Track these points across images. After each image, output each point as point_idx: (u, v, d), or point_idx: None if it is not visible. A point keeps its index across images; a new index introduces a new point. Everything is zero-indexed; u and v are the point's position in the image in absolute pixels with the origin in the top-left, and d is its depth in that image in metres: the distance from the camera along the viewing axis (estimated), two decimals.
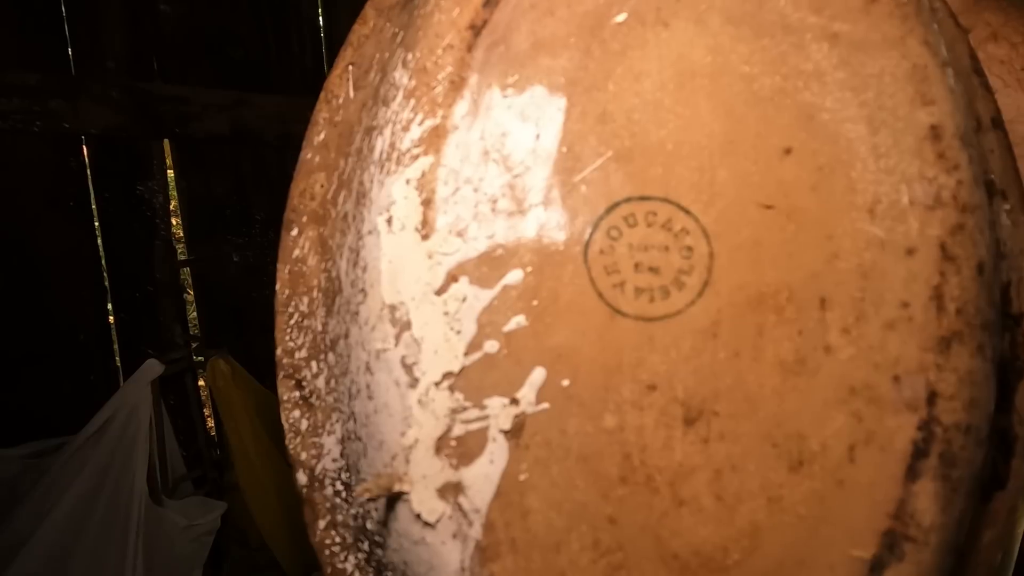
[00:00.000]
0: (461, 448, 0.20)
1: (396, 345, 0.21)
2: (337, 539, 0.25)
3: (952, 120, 0.20)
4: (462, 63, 0.22)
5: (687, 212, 0.20)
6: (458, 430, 0.20)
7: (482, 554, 0.20)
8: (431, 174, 0.21)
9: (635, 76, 0.21)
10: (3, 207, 1.02)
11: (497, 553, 0.20)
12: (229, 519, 1.11)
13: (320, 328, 0.26)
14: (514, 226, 0.21)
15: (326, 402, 0.25)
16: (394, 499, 0.21)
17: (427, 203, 0.21)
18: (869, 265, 0.20)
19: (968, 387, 0.19)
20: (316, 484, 0.25)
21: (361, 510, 0.24)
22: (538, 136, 0.21)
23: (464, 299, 0.20)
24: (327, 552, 0.25)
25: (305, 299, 0.26)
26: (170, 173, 1.19)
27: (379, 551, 0.24)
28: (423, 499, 0.20)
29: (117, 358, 1.16)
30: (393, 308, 0.21)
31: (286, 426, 0.26)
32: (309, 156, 0.27)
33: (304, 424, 0.26)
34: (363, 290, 0.22)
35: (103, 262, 1.13)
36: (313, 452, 0.25)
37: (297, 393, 0.26)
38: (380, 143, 0.22)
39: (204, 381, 1.18)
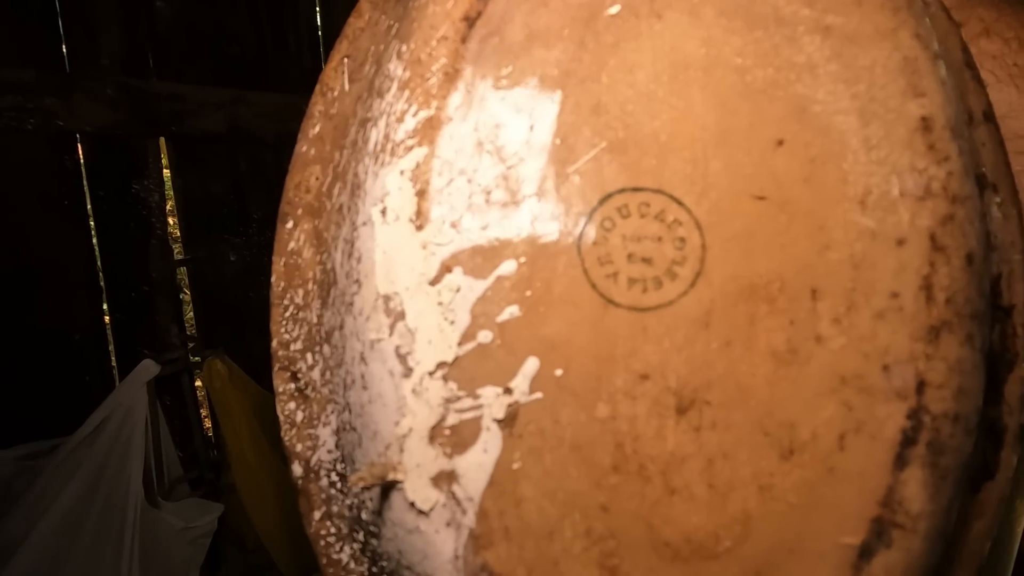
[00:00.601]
0: (455, 437, 0.20)
1: (390, 335, 0.21)
2: (332, 530, 0.25)
3: (943, 112, 0.20)
4: (456, 54, 0.22)
5: (680, 203, 0.20)
6: (452, 419, 0.20)
7: (475, 542, 0.20)
8: (425, 165, 0.21)
9: (629, 68, 0.21)
10: None
11: (490, 541, 0.20)
12: (226, 521, 1.10)
13: (315, 320, 0.26)
14: (508, 217, 0.21)
15: (321, 393, 0.25)
16: (388, 488, 0.21)
17: (421, 194, 0.21)
18: (860, 256, 0.20)
19: (957, 376, 0.19)
20: (311, 475, 0.25)
21: (356, 500, 0.24)
22: (532, 127, 0.21)
23: (458, 289, 0.21)
24: (322, 543, 0.25)
25: (300, 291, 0.26)
26: (166, 172, 1.19)
27: (374, 541, 0.24)
28: (417, 488, 0.21)
29: (113, 358, 1.16)
30: (387, 298, 0.21)
31: (281, 418, 0.26)
32: (304, 149, 0.27)
33: (299, 416, 0.26)
34: (358, 281, 0.22)
35: (98, 262, 1.12)
36: (308, 444, 0.26)
37: (292, 385, 0.26)
38: (375, 134, 0.23)
39: (201, 382, 1.17)
